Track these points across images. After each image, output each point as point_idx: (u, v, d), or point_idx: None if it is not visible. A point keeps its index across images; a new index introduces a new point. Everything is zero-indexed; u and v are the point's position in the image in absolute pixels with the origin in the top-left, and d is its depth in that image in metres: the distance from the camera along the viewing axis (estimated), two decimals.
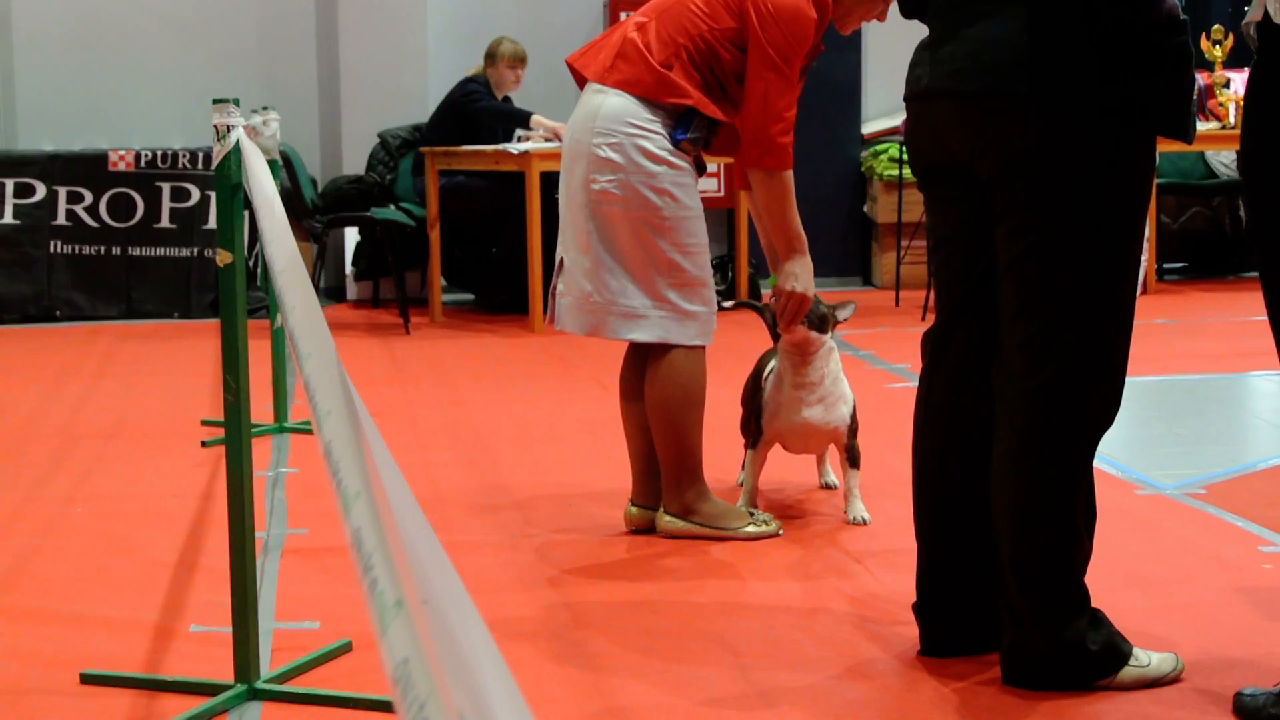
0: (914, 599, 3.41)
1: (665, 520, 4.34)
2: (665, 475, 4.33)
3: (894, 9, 3.50)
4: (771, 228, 4.31)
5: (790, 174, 4.22)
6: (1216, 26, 9.35)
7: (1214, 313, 8.79)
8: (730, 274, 9.24)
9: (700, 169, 4.35)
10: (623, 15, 9.67)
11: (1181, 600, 3.76)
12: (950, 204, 3.32)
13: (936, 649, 3.37)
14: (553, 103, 9.67)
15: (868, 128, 10.40)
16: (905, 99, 3.38)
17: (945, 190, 3.33)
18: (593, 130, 4.21)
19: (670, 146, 4.20)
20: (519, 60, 9.03)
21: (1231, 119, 9.10)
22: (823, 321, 4.32)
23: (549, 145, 8.53)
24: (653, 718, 3.09)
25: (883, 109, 10.46)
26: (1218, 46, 9.27)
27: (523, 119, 8.79)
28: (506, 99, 9.07)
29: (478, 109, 8.84)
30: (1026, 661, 3.16)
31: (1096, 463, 4.74)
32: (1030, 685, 3.16)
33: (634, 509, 4.44)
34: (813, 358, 4.35)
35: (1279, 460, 5.18)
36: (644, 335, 4.23)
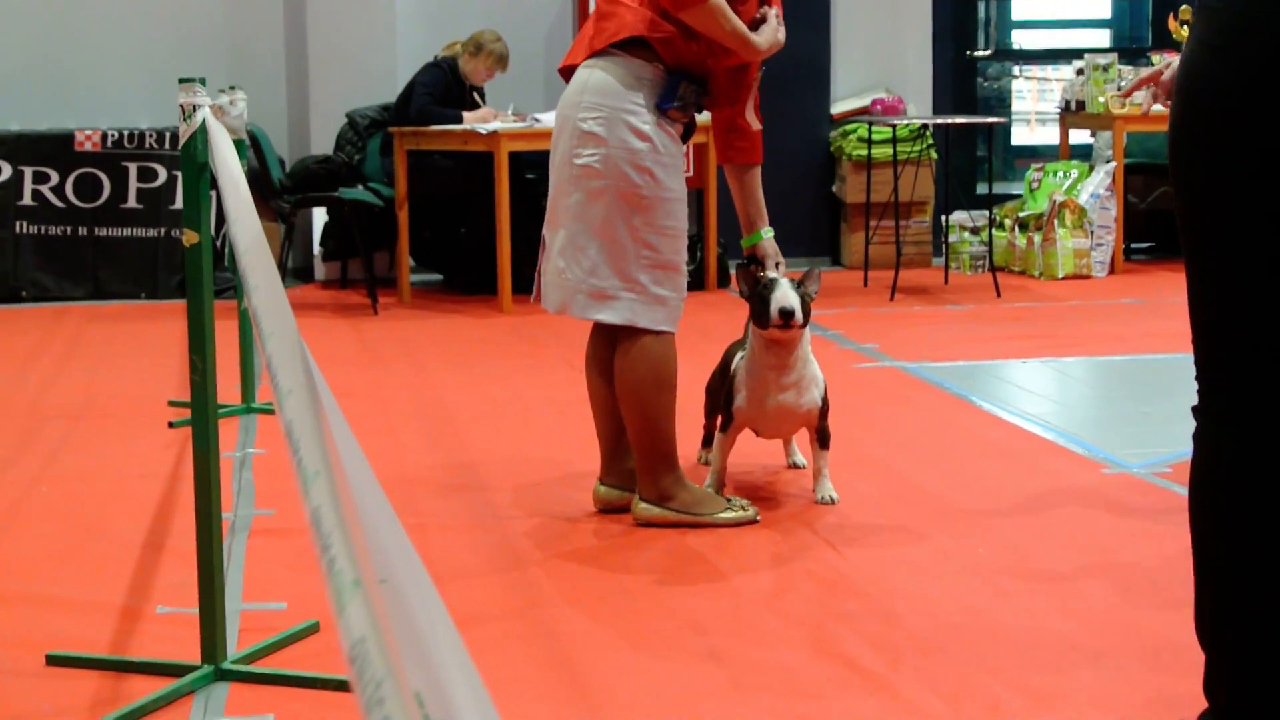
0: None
1: (641, 507, 4.29)
2: (639, 461, 4.28)
3: None
4: (733, 44, 4.18)
5: (708, 3, 4.10)
6: (1184, 7, 9.38)
7: (1180, 292, 8.71)
8: (700, 254, 9.24)
9: (688, 132, 4.32)
10: None
11: (1149, 581, 3.78)
12: None
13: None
14: (518, 87, 9.65)
15: (836, 108, 10.40)
16: None
17: None
18: (579, 104, 4.19)
19: (655, 120, 4.17)
20: (501, 63, 8.96)
21: None
22: (808, 312, 4.31)
23: (517, 125, 8.51)
24: (620, 699, 3.10)
25: (851, 89, 10.46)
26: (1185, 27, 9.30)
27: (454, 120, 8.70)
28: (473, 89, 9.04)
29: (416, 107, 8.77)
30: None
31: (1065, 442, 4.73)
32: None
33: (602, 488, 4.43)
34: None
35: None
36: (611, 316, 4.20)
